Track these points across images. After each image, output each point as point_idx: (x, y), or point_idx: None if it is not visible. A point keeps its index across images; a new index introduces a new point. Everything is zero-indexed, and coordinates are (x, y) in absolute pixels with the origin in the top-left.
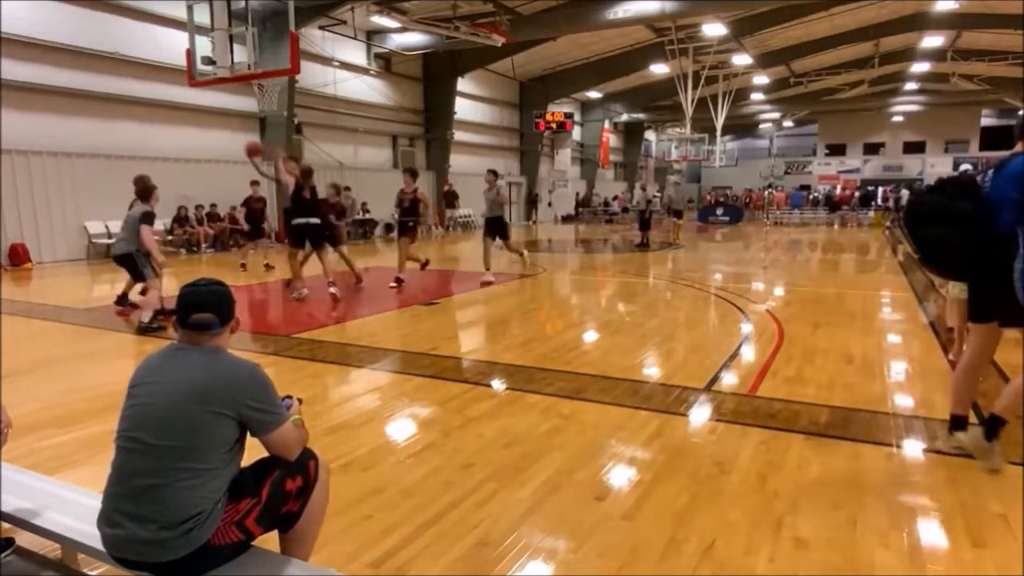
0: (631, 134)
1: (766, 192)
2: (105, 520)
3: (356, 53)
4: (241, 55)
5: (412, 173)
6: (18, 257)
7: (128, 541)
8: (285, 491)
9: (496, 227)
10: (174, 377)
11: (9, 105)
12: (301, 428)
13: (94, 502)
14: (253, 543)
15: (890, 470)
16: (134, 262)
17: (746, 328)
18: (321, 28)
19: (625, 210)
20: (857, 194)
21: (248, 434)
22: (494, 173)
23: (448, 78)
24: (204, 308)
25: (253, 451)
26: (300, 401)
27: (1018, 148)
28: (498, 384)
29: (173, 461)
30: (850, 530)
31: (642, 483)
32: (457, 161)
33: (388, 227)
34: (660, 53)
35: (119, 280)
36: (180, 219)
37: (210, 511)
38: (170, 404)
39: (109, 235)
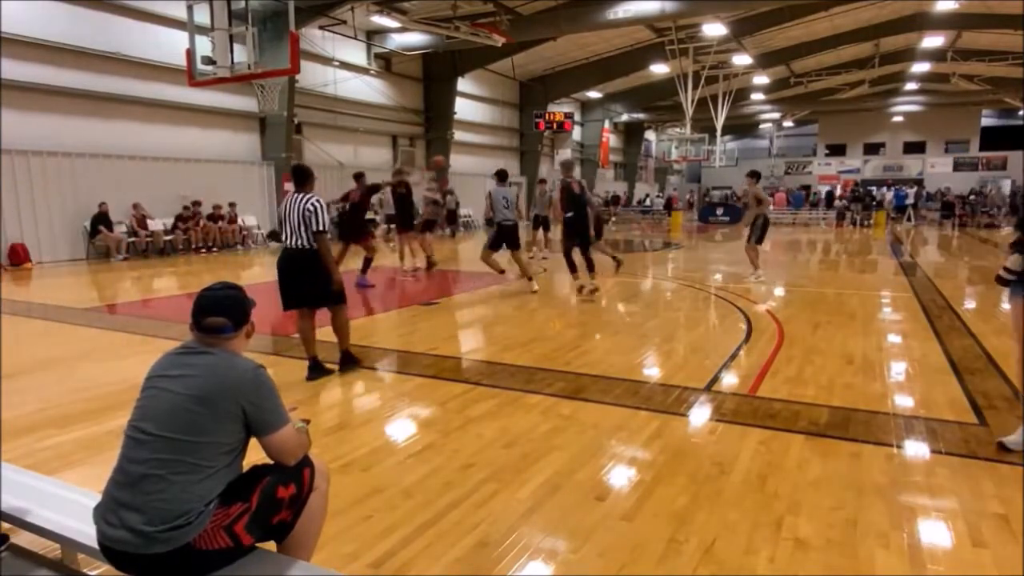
0: (631, 134)
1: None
2: (100, 508)
3: (356, 53)
4: (241, 55)
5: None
6: (18, 257)
7: (116, 528)
8: (276, 498)
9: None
10: (181, 378)
11: (9, 105)
12: (303, 435)
13: (94, 502)
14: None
15: (890, 470)
16: None
17: (746, 328)
18: (321, 28)
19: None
20: (840, 198)
21: (249, 440)
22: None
23: (448, 78)
24: (217, 312)
25: (251, 456)
26: (307, 422)
27: None
28: (498, 384)
29: (173, 453)
30: (850, 530)
31: (642, 483)
32: (457, 161)
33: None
34: (660, 53)
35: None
36: (184, 218)
37: (199, 511)
38: (177, 402)
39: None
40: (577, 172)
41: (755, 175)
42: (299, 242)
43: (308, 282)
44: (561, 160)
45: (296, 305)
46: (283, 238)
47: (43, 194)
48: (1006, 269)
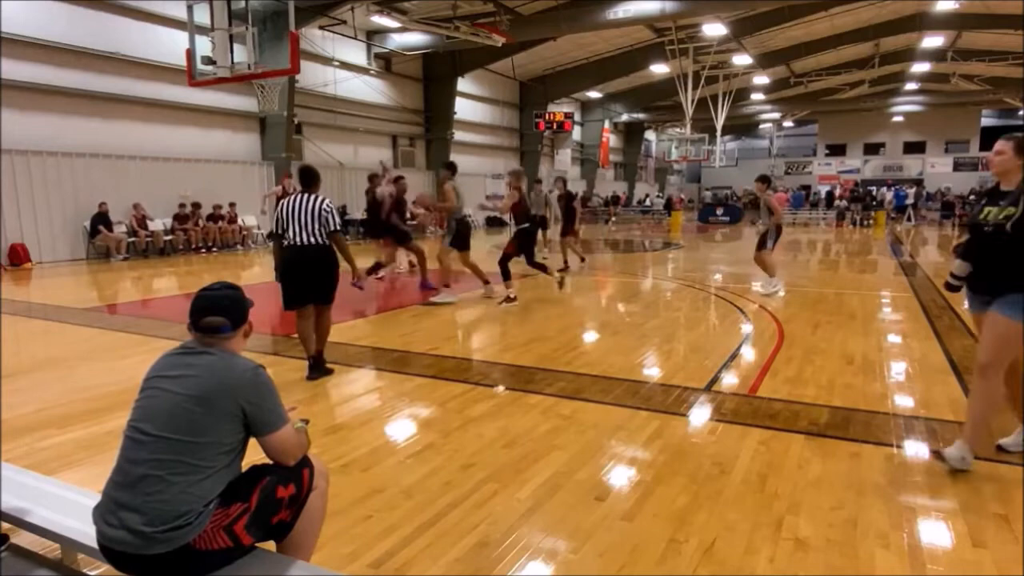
0: (631, 134)
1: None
2: (99, 508)
3: (356, 53)
4: (241, 55)
5: None
6: (18, 257)
7: (116, 529)
8: (276, 498)
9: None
10: (180, 378)
11: (9, 105)
12: (303, 435)
13: (94, 502)
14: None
15: (890, 470)
16: None
17: (746, 328)
18: (321, 28)
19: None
20: (840, 198)
21: (248, 440)
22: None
23: (448, 78)
24: (216, 312)
25: (251, 456)
26: (306, 422)
27: None
28: (498, 384)
29: (172, 453)
30: (850, 530)
31: (642, 483)
32: (457, 161)
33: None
34: (660, 53)
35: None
36: (181, 218)
37: (199, 512)
38: (176, 402)
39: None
40: (525, 182)
41: (765, 180)
42: (312, 239)
43: (316, 278)
44: (511, 170)
45: (299, 304)
46: (291, 235)
47: (43, 194)
48: (953, 275)
